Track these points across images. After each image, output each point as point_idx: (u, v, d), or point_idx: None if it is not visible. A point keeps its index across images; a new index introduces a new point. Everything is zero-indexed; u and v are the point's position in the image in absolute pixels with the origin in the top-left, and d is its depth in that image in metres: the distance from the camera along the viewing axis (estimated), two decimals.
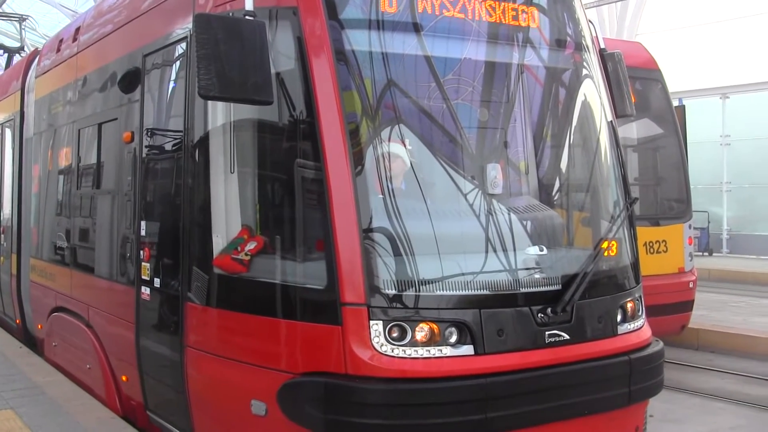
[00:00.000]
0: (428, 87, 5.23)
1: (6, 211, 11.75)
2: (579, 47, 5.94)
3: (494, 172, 5.26)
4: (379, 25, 5.07)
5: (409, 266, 4.79)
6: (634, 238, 5.84)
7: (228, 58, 4.67)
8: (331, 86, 4.79)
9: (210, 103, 5.44)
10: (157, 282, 6.13)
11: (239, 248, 5.27)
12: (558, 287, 5.11)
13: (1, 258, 11.85)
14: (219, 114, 5.46)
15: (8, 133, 11.45)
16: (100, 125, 7.63)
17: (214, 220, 5.42)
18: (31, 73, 10.67)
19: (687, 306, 10.83)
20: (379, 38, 5.05)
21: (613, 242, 5.60)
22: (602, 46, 6.32)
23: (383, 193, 4.84)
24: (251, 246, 5.24)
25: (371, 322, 4.60)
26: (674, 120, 11.01)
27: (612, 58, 6.33)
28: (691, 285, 10.88)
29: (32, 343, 10.58)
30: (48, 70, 9.53)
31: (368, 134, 4.95)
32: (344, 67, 4.87)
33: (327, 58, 4.83)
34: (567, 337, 5.04)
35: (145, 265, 6.32)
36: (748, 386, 9.83)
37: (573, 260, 5.44)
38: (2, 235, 11.87)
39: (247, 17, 4.85)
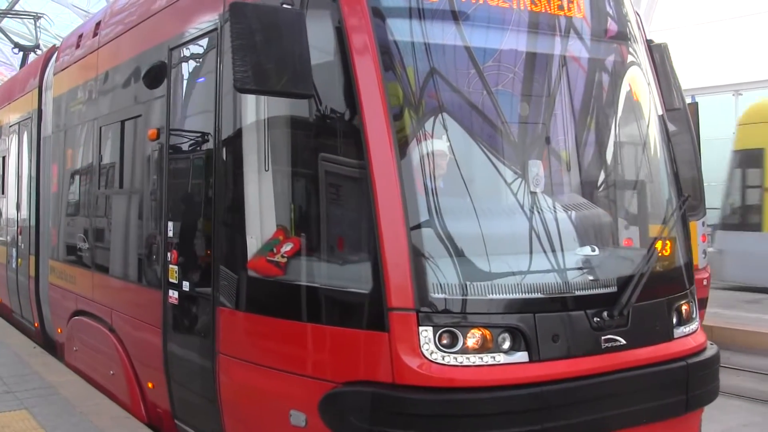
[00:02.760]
0: (474, 79, 4.95)
1: (23, 212, 11.53)
2: (627, 38, 5.65)
3: (543, 168, 4.98)
4: (422, 14, 4.79)
5: (459, 268, 4.50)
6: (687, 237, 5.54)
7: (265, 50, 4.40)
8: (375, 78, 4.51)
9: (243, 97, 5.18)
10: (186, 285, 5.87)
11: (275, 250, 5.00)
12: (614, 289, 4.82)
13: (19, 260, 11.63)
14: (252, 109, 5.19)
15: (26, 131, 11.22)
16: (123, 122, 7.38)
17: (248, 220, 5.15)
18: (49, 70, 10.44)
19: (701, 303, 10.60)
20: (422, 28, 4.77)
21: (668, 241, 5.30)
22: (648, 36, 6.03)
23: (431, 191, 4.56)
24: (287, 248, 4.97)
25: (420, 328, 4.32)
26: (687, 117, 10.72)
27: (659, 50, 6.04)
28: (705, 282, 10.73)
29: (51, 347, 10.36)
30: (67, 67, 9.29)
31: (414, 129, 4.67)
32: (388, 58, 4.59)
33: (369, 49, 4.55)
34: (623, 342, 4.76)
35: (173, 267, 6.05)
36: (763, 384, 9.68)
37: (626, 261, 5.15)
38: (20, 237, 11.65)
39: (284, 5, 4.57)
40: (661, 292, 5.13)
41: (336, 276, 4.71)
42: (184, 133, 6.11)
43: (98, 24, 8.35)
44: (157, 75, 6.41)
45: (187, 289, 5.84)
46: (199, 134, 5.87)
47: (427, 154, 4.60)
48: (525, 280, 4.62)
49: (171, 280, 6.09)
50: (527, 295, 4.58)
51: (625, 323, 4.78)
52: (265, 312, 5.04)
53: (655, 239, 5.20)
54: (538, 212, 4.83)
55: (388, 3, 4.73)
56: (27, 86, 11.41)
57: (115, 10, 8.12)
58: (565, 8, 5.26)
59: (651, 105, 5.65)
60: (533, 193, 4.89)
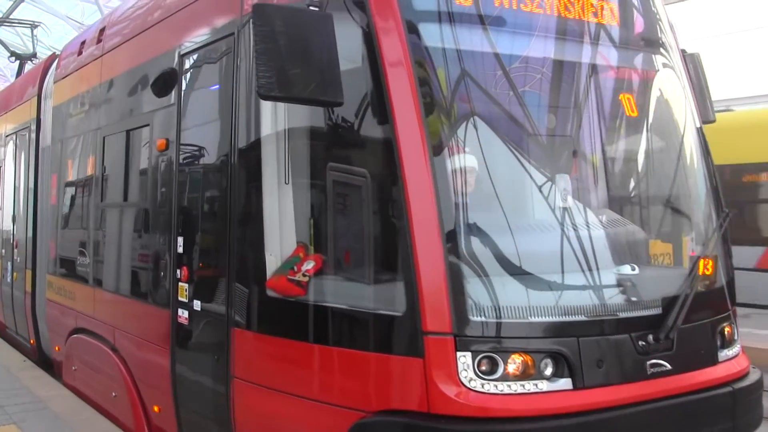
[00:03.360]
0: (511, 89, 4.65)
1: (20, 224, 11.18)
2: (664, 47, 5.38)
3: (581, 184, 4.70)
4: (457, 18, 4.50)
5: (499, 289, 4.20)
6: (729, 254, 5.25)
7: (290, 54, 4.11)
8: (408, 86, 4.22)
9: (262, 105, 4.88)
10: (197, 304, 5.54)
11: (295, 268, 4.69)
12: (658, 311, 4.52)
13: (15, 274, 11.27)
14: (272, 117, 4.89)
15: (23, 141, 10.89)
16: (128, 132, 7.06)
17: (267, 236, 4.84)
18: (49, 78, 10.12)
19: None
20: (457, 33, 4.47)
21: (709, 260, 5.00)
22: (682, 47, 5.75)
23: (468, 207, 4.26)
24: (309, 266, 4.66)
25: (458, 354, 4.01)
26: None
27: (692, 60, 5.77)
28: None
29: (48, 365, 10.00)
30: (68, 75, 8.97)
31: (450, 141, 4.37)
32: (421, 65, 4.30)
33: (401, 54, 4.26)
34: (669, 366, 4.46)
35: (183, 285, 5.73)
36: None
37: (668, 280, 4.86)
38: (15, 250, 11.29)
39: (311, 7, 4.28)
40: (705, 313, 4.84)
41: (364, 297, 4.40)
42: (196, 144, 5.79)
43: (102, 30, 8.04)
44: (166, 82, 6.11)
45: (199, 309, 5.52)
46: (213, 145, 5.55)
47: (464, 168, 4.29)
48: (567, 301, 4.32)
49: (180, 298, 5.76)
50: (570, 318, 4.27)
51: (670, 347, 4.49)
52: (286, 334, 4.72)
53: (698, 257, 4.90)
54: (578, 229, 4.54)
55: (421, 6, 4.43)
56: (25, 95, 11.09)
57: (119, 16, 7.82)
58: (603, 16, 4.99)
59: (689, 117, 5.37)
60: (572, 210, 4.60)
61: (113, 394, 7.15)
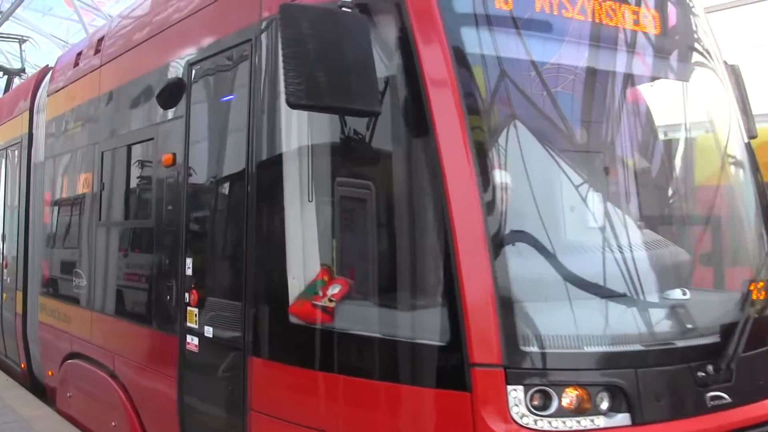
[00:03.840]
0: (562, 100, 4.31)
1: (9, 243, 10.74)
2: (708, 58, 5.04)
3: (635, 203, 4.36)
4: (497, 23, 4.16)
5: (552, 316, 3.83)
6: None
7: (322, 59, 3.75)
8: (450, 96, 3.86)
9: (283, 116, 4.53)
10: (208, 331, 5.15)
11: (320, 292, 4.31)
12: (716, 339, 4.17)
13: (4, 295, 10.82)
14: (294, 129, 4.53)
15: (13, 157, 10.47)
16: (129, 147, 6.68)
17: (290, 258, 4.45)
18: (41, 91, 9.73)
19: None
20: (499, 39, 4.13)
21: (761, 282, 4.67)
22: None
23: (518, 227, 3.90)
24: (335, 290, 4.29)
25: (509, 387, 3.63)
26: None
27: (733, 71, 5.45)
28: None
29: (40, 390, 9.56)
30: (63, 87, 8.58)
31: (498, 156, 4.00)
32: (464, 73, 3.94)
33: (442, 60, 3.90)
34: (728, 399, 4.10)
35: (192, 310, 5.33)
36: None
37: (722, 305, 4.51)
38: (5, 270, 10.84)
39: (343, 9, 3.92)
40: (762, 340, 4.49)
41: (400, 325, 4.02)
42: (207, 159, 5.41)
43: (100, 40, 7.66)
44: (173, 93, 5.74)
45: (211, 335, 5.12)
46: (226, 159, 5.18)
47: (514, 185, 3.94)
48: (623, 328, 3.95)
49: (189, 323, 5.37)
50: (627, 347, 3.91)
51: (729, 378, 4.13)
52: (311, 365, 4.33)
53: (753, 280, 4.56)
54: (629, 251, 4.18)
55: (462, 8, 4.08)
56: (15, 109, 10.68)
57: (119, 25, 7.44)
58: (650, 26, 4.66)
59: (736, 131, 5.05)
60: (623, 230, 4.25)
61: (113, 423, 6.73)
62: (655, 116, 4.77)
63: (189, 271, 5.40)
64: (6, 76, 16.70)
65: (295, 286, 4.42)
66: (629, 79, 4.59)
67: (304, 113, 4.39)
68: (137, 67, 6.62)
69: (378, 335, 4.04)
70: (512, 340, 3.66)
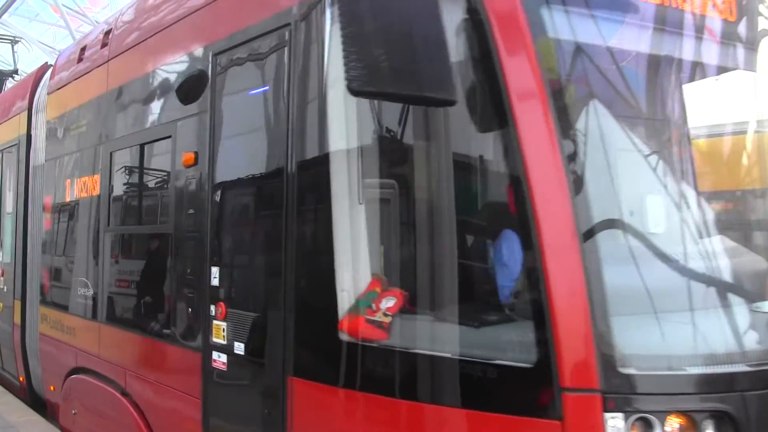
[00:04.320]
0: (661, 93, 3.85)
1: (6, 251, 10.20)
2: None
3: (735, 204, 3.90)
4: (589, 5, 3.69)
5: (654, 333, 3.36)
6: None
7: (388, 39, 3.27)
8: (531, 81, 3.38)
9: (329, 109, 4.06)
10: (239, 347, 4.65)
11: (374, 306, 3.83)
12: None
13: (0, 305, 10.27)
14: (343, 123, 4.04)
15: (10, 159, 9.94)
16: (142, 146, 6.17)
17: (339, 267, 3.96)
18: (41, 90, 9.20)
19: None
20: (588, 24, 3.66)
21: None
22: None
23: (611, 231, 3.43)
24: (389, 303, 3.82)
25: (607, 416, 3.15)
26: None
27: None
28: None
29: (40, 405, 9.03)
30: (65, 85, 8.05)
31: (589, 150, 3.52)
32: (548, 60, 3.47)
33: (524, 48, 3.43)
34: None
35: (219, 324, 4.84)
36: None
37: None
38: (1, 278, 10.29)
39: None
40: None
41: (475, 343, 3.54)
42: (236, 157, 4.92)
43: (107, 33, 7.15)
44: (194, 87, 5.26)
45: (242, 352, 4.62)
46: (259, 158, 4.68)
47: (607, 185, 3.47)
48: (728, 347, 3.48)
49: (215, 339, 4.87)
50: (732, 368, 3.43)
51: None
52: (367, 388, 3.84)
53: None
54: (730, 259, 3.72)
55: None
56: (12, 110, 10.14)
57: (129, 16, 6.92)
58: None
59: None
60: (725, 237, 3.78)
61: None
62: (744, 112, 4.30)
63: (215, 282, 4.91)
64: None
65: (344, 299, 3.93)
66: (724, 71, 4.13)
67: (354, 104, 3.93)
68: (151, 60, 6.11)
69: (447, 355, 3.56)
70: (610, 360, 3.18)
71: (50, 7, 29.30)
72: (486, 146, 3.66)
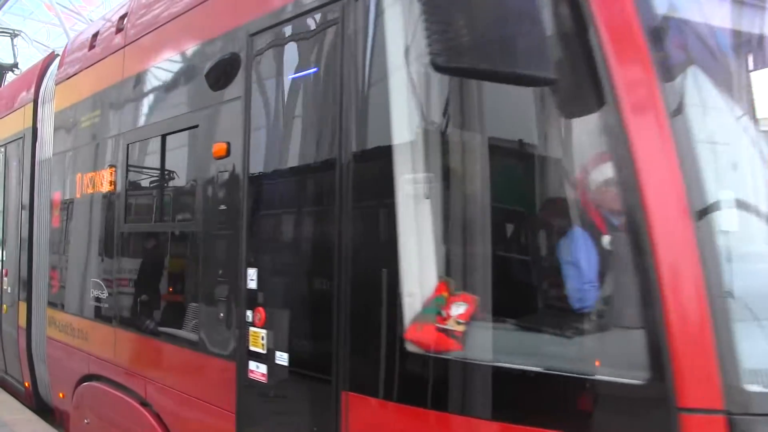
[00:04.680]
0: None
1: (9, 249, 9.74)
2: None
3: None
4: None
5: None
6: None
7: (478, 8, 2.83)
8: (642, 62, 2.95)
9: (391, 91, 3.62)
10: (281, 357, 4.21)
11: (443, 313, 3.39)
12: None
13: (4, 305, 9.81)
14: (408, 107, 3.60)
15: (14, 154, 9.48)
16: (164, 137, 5.72)
17: (404, 269, 3.52)
18: (48, 81, 8.75)
19: None
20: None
21: None
22: None
23: (732, 221, 2.99)
24: (459, 309, 3.38)
25: None
26: None
27: None
28: None
29: (46, 412, 8.59)
30: (75, 74, 7.58)
31: (703, 133, 3.08)
32: (660, 38, 3.04)
33: (630, 22, 3.00)
34: None
35: (257, 331, 4.40)
36: None
37: None
38: (5, 279, 9.83)
39: None
40: None
41: (564, 356, 3.10)
42: (276, 148, 4.47)
43: (123, 17, 6.69)
44: (227, 71, 4.82)
45: (285, 363, 4.18)
46: (306, 148, 4.24)
47: (726, 169, 3.05)
48: None
49: (253, 347, 4.43)
50: None
51: None
52: (441, 406, 3.40)
53: None
54: None
55: None
56: (15, 102, 9.68)
57: None
58: None
59: None
60: None
61: None
62: None
63: (252, 284, 4.46)
64: None
65: (411, 305, 3.49)
66: None
67: (421, 86, 3.50)
68: (174, 44, 5.67)
69: (538, 369, 3.12)
70: (735, 375, 2.75)
71: (44, 5, 29.00)
72: (578, 131, 3.23)
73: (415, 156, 3.56)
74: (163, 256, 5.85)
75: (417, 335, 3.45)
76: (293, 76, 4.34)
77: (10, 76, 14.75)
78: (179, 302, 5.47)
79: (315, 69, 4.16)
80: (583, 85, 3.02)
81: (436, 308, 3.44)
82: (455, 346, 3.34)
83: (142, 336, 5.94)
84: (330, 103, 3.96)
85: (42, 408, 8.76)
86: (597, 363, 3.01)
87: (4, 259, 9.93)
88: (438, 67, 2.87)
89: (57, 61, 8.61)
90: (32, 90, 8.97)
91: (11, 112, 9.79)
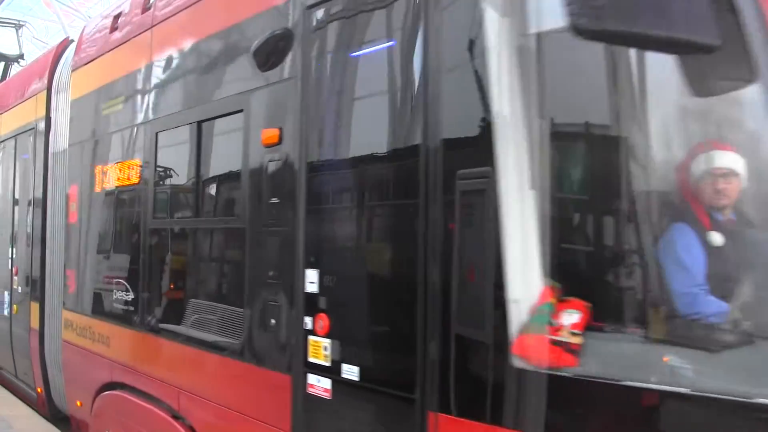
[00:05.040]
0: None
1: (20, 246, 9.22)
2: None
3: None
4: None
5: None
6: None
7: None
8: None
9: (489, 69, 3.10)
10: (350, 371, 3.70)
11: (554, 322, 2.90)
12: None
13: (14, 306, 9.29)
14: (509, 85, 3.08)
15: (25, 145, 8.96)
16: (200, 124, 5.20)
17: (509, 272, 3.01)
18: (62, 68, 8.24)
19: None
20: None
21: None
22: None
23: None
24: (572, 318, 2.89)
25: None
26: None
27: None
28: None
29: (60, 419, 8.09)
30: (95, 59, 7.06)
31: None
32: None
33: None
34: None
35: (319, 341, 3.89)
36: None
37: None
38: (15, 277, 9.32)
39: None
40: None
41: (710, 373, 2.61)
42: (342, 133, 3.95)
43: None
44: (277, 49, 4.31)
45: (356, 378, 3.67)
46: (379, 132, 3.71)
47: None
48: None
49: (313, 359, 3.93)
50: None
51: None
52: (554, 429, 2.90)
53: None
54: None
55: None
56: (27, 91, 9.16)
57: None
58: None
59: None
60: None
61: None
62: None
63: (312, 288, 3.95)
64: (3, 64, 15.12)
65: (517, 313, 2.99)
66: None
67: (528, 61, 2.99)
68: (212, 20, 5.14)
69: (684, 390, 2.61)
70: None
71: (43, 1, 28.73)
72: (723, 107, 2.72)
73: (518, 142, 3.05)
74: (200, 256, 5.35)
75: (528, 348, 2.95)
76: (361, 51, 3.83)
77: (14, 69, 14.24)
78: (220, 307, 4.96)
79: (391, 42, 3.64)
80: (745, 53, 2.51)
81: (545, 317, 2.94)
82: (572, 361, 2.85)
83: (175, 343, 5.43)
84: (407, 82, 3.45)
85: (55, 416, 8.25)
86: (753, 384, 2.51)
87: (15, 256, 9.41)
88: (578, 30, 2.36)
89: (72, 47, 8.09)
90: (45, 78, 8.46)
91: (21, 101, 9.28)
